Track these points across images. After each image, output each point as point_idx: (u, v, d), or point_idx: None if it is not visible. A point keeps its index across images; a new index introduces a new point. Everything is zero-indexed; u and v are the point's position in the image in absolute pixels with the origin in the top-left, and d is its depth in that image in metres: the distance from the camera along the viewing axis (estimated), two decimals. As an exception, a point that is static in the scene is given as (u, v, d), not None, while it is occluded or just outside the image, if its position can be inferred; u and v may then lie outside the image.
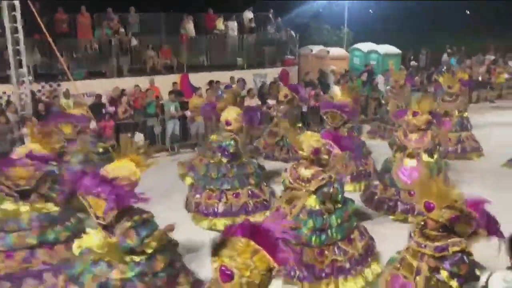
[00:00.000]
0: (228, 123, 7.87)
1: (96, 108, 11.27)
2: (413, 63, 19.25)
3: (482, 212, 4.27)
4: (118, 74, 13.88)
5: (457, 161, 10.38)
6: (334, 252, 5.58)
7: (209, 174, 7.79)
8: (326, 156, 5.73)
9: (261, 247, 2.87)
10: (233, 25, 16.56)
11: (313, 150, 5.57)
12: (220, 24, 16.47)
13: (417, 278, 4.29)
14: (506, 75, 18.31)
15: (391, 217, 7.64)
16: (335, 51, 18.23)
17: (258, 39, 17.00)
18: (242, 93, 12.68)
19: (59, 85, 12.59)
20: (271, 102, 12.40)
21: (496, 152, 10.63)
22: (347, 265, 5.60)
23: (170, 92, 12.11)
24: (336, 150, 5.89)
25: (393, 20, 26.56)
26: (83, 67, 13.65)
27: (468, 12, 33.24)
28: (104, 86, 12.62)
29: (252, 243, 2.87)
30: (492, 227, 4.31)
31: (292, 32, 17.88)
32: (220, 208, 7.53)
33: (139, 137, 11.35)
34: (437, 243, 4.20)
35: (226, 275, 2.82)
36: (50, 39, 10.93)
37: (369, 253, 5.97)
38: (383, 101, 13.80)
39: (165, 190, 8.56)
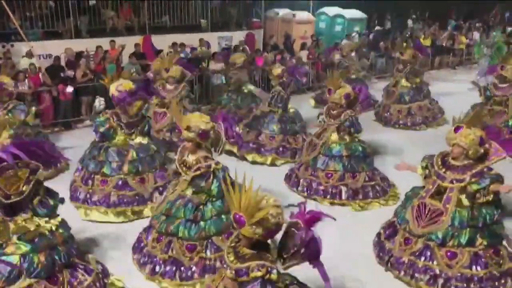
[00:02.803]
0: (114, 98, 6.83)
1: (54, 71, 10.76)
2: (377, 28, 19.28)
3: (309, 235, 3.43)
4: (76, 35, 13.23)
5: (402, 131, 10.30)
6: (205, 248, 5.07)
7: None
8: (213, 139, 5.14)
9: None
10: (198, -16, 15.98)
11: (200, 133, 4.95)
12: (183, -17, 15.85)
13: None
14: (467, 41, 18.58)
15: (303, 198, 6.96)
16: (301, 14, 17.96)
17: (223, 0, 16.52)
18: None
19: (12, 45, 11.89)
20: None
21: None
22: (217, 264, 4.96)
23: (131, 55, 11.68)
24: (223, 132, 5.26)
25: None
26: (38, 27, 12.93)
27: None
28: (61, 48, 11.96)
29: None
30: (312, 253, 3.47)
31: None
32: (81, 194, 6.63)
33: (99, 101, 10.98)
34: (239, 265, 3.44)
35: None
36: (0, -4, 10.25)
37: None
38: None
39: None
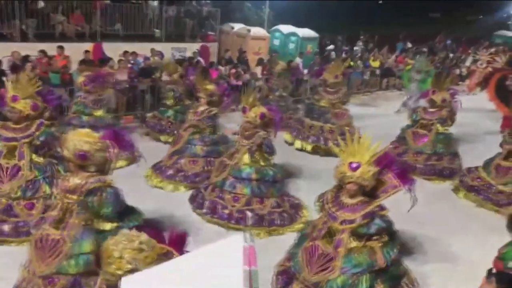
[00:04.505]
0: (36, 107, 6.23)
1: (-5, 74, 10.26)
2: (330, 47, 19.79)
3: None
4: (22, 38, 12.70)
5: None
6: None
7: None
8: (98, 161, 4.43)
9: None
10: (153, -6, 15.86)
11: (79, 154, 4.27)
12: (138, -9, 15.68)
13: None
14: (413, 62, 19.25)
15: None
16: (256, 30, 18.15)
17: (178, 11, 16.44)
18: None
19: (-50, 45, 11.28)
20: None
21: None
22: None
23: (81, 62, 11.33)
24: (116, 150, 4.55)
25: (313, 3, 27.05)
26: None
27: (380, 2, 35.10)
28: (6, 51, 11.37)
29: None
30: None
31: (214, 8, 17.53)
32: None
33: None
34: None
35: None
36: None
37: None
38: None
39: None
